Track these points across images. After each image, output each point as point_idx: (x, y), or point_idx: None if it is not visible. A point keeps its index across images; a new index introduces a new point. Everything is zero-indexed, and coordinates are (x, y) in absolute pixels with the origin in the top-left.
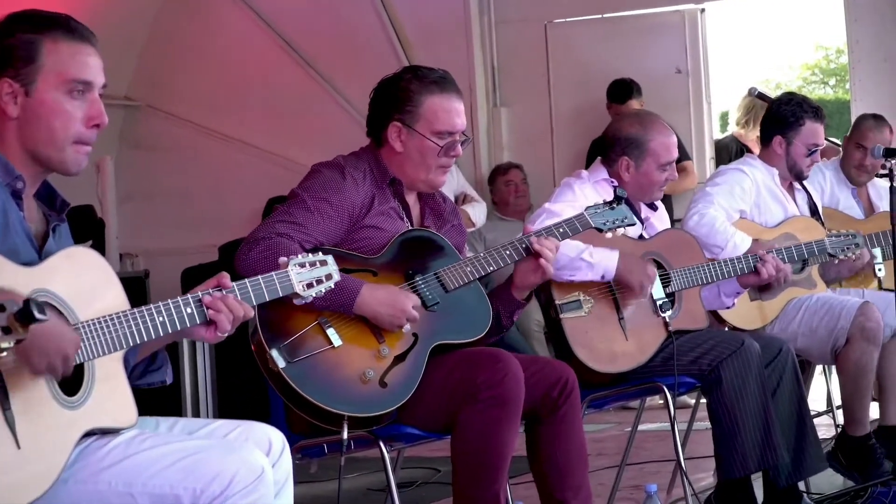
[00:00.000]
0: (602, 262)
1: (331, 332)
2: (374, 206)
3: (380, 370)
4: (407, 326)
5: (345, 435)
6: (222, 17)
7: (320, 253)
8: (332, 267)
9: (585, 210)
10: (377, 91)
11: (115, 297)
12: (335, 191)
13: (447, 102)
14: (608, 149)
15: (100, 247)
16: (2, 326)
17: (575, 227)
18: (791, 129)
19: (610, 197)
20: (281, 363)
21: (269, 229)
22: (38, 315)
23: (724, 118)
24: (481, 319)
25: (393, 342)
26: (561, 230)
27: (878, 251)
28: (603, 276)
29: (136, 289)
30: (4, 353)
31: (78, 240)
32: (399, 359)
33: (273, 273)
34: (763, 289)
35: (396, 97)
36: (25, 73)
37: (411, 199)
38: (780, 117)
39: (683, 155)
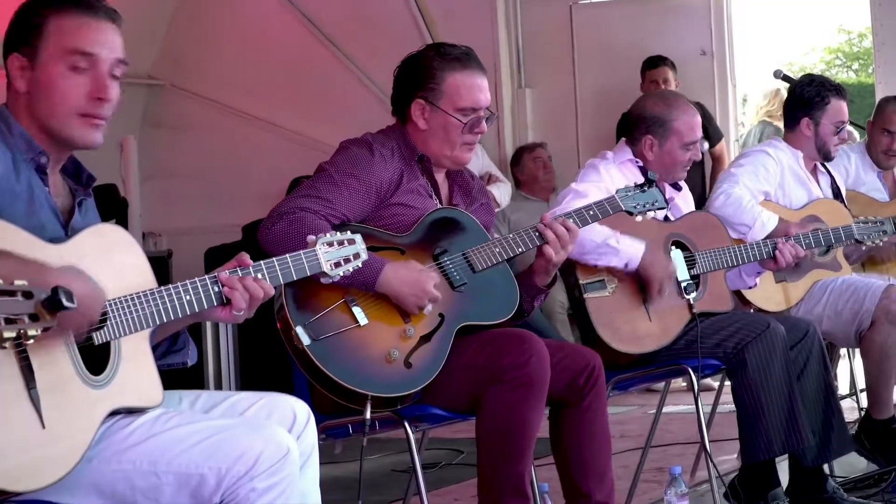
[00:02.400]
0: (628, 250)
1: (357, 310)
2: (403, 183)
3: (405, 350)
4: (429, 307)
5: (367, 415)
6: None
7: (348, 231)
8: (359, 246)
9: (616, 193)
10: (401, 69)
11: (142, 275)
12: (363, 167)
13: (469, 79)
14: (632, 128)
15: (122, 226)
16: (29, 314)
17: (605, 210)
18: (817, 110)
19: (634, 177)
20: (306, 340)
21: (294, 203)
22: (66, 303)
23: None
24: (509, 301)
25: (419, 322)
26: (591, 213)
27: None
28: (627, 265)
29: (159, 268)
30: (31, 342)
31: (101, 219)
32: (425, 339)
33: (301, 252)
34: None
35: (419, 74)
36: (32, 46)
37: (440, 176)
38: (805, 99)
39: (717, 136)
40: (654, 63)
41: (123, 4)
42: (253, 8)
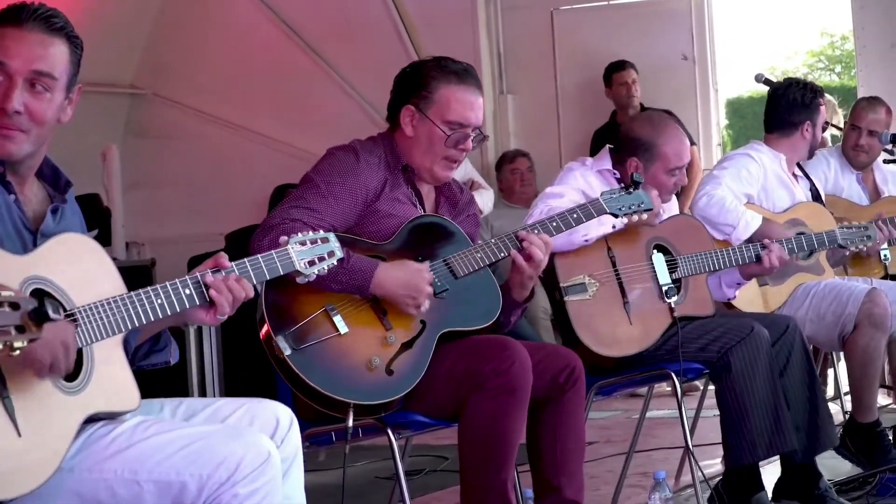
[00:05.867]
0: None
1: (337, 319)
2: (386, 191)
3: (386, 357)
4: (426, 305)
5: (350, 423)
6: (228, 5)
7: (321, 231)
8: (333, 244)
9: (601, 195)
10: (400, 74)
11: (111, 282)
12: (349, 174)
13: (463, 94)
14: (620, 147)
15: (105, 236)
16: (16, 325)
17: (589, 213)
18: (815, 113)
19: (609, 186)
20: (287, 350)
21: (283, 215)
22: (52, 314)
23: (730, 105)
24: (491, 307)
25: (400, 328)
26: (575, 215)
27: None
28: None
29: (142, 277)
30: (17, 353)
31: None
32: (406, 346)
33: (272, 251)
34: None
35: (415, 81)
36: None
37: (425, 186)
38: (804, 104)
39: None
40: (621, 65)
41: (105, 14)
42: (234, 17)
